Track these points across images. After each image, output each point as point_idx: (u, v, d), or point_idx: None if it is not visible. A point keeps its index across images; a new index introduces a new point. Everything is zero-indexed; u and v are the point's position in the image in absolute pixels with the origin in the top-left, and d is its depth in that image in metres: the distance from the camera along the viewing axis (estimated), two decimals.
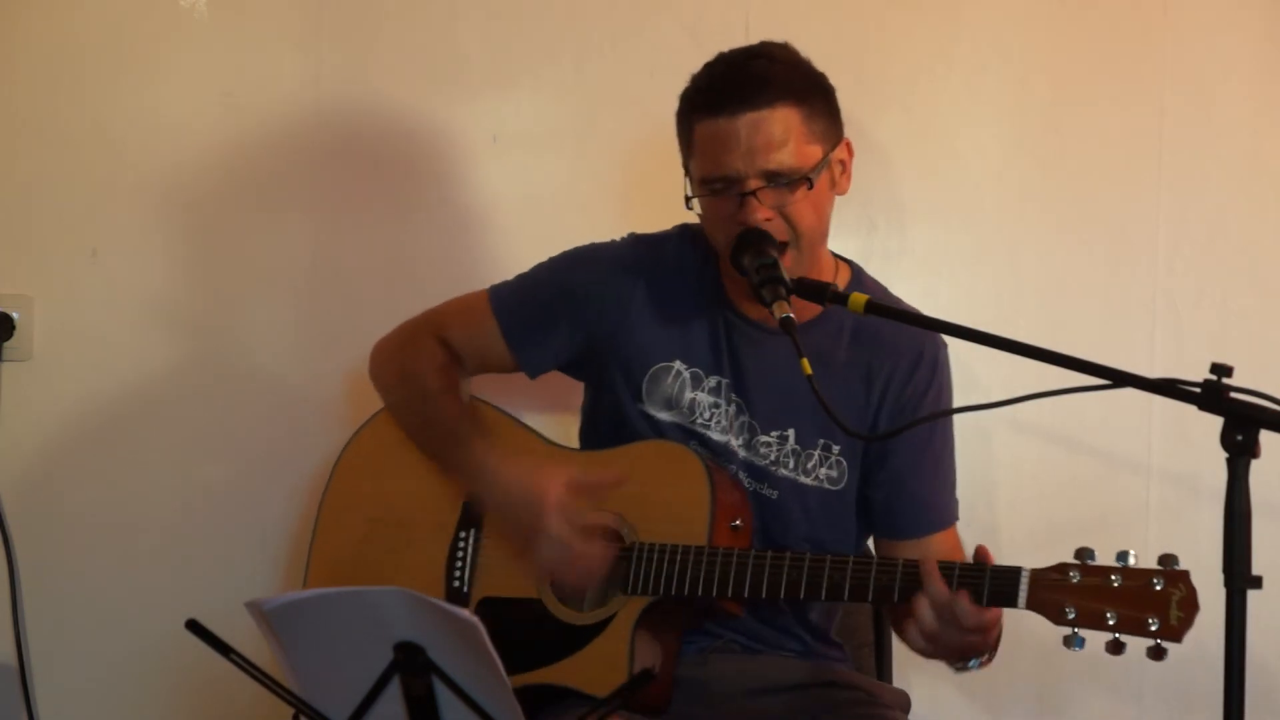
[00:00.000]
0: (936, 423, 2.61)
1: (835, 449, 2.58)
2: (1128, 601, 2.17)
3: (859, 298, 2.27)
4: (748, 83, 2.42)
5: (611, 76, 3.15)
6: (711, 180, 2.46)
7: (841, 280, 2.62)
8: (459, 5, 3.15)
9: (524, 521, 2.47)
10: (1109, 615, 2.17)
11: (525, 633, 2.51)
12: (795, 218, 2.44)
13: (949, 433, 2.64)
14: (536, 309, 2.64)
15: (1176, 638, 2.15)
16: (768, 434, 2.58)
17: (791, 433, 2.58)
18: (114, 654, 3.12)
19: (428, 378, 2.64)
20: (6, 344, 3.07)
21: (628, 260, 2.63)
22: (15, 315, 3.08)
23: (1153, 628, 2.15)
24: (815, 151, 2.45)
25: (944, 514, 2.62)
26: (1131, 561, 2.18)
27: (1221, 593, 1.92)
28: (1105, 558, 2.20)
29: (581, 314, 2.62)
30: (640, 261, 2.62)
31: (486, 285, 2.70)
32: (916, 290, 3.08)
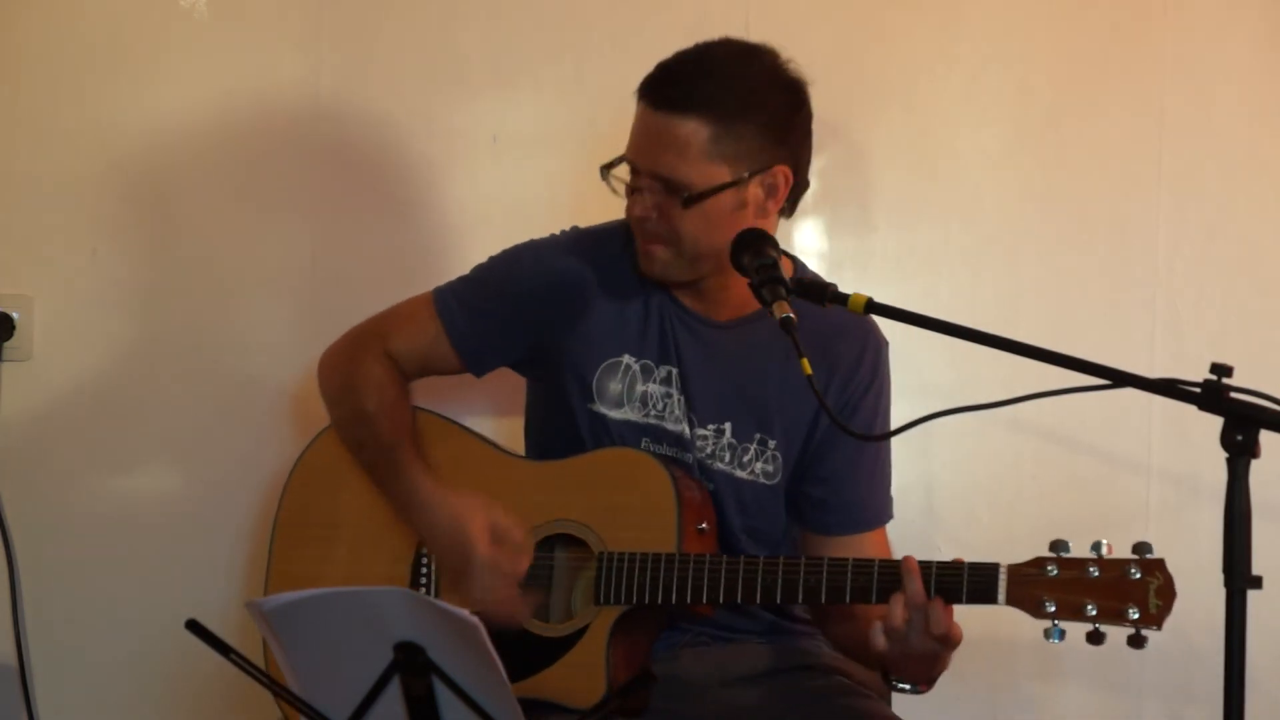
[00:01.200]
0: (875, 421, 2.58)
1: (771, 444, 2.57)
2: (1106, 592, 2.18)
3: (859, 298, 2.24)
4: (675, 85, 2.44)
5: (611, 76, 3.12)
6: (628, 161, 2.49)
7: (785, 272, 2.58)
8: (459, 5, 3.15)
9: (452, 562, 2.51)
10: (1089, 606, 2.19)
11: (496, 647, 2.50)
12: (674, 223, 2.43)
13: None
14: (480, 310, 2.62)
15: (1156, 625, 2.17)
16: (704, 427, 2.57)
17: (728, 426, 2.56)
18: (114, 654, 3.12)
19: (366, 398, 2.60)
20: (6, 344, 3.06)
21: (570, 256, 2.61)
22: (15, 315, 3.08)
23: (1133, 616, 2.17)
24: (718, 173, 2.42)
25: (878, 513, 2.62)
26: (1105, 551, 2.20)
27: (1221, 593, 1.92)
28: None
29: (525, 313, 2.60)
30: (583, 256, 2.60)
31: None
32: (916, 290, 3.09)
